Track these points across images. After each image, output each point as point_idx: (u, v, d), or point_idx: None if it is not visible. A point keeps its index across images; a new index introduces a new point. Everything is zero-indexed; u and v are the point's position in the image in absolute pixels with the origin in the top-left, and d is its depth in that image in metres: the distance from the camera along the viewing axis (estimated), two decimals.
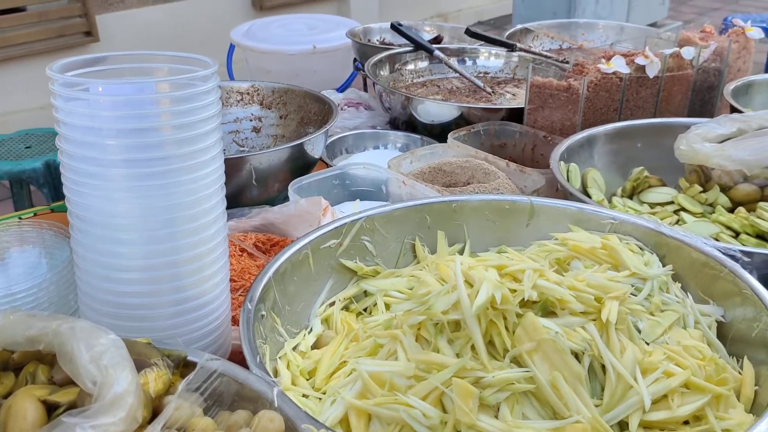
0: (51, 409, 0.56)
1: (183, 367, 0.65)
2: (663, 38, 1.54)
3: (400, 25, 1.81)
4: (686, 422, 0.63)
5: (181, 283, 0.69)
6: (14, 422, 0.53)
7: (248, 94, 1.51)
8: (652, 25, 3.55)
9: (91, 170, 0.65)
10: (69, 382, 0.59)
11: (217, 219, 0.71)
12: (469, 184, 1.22)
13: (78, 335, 0.58)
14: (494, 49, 1.82)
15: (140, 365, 0.61)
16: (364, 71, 1.72)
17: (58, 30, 3.93)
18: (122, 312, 0.68)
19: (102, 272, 0.68)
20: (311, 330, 0.84)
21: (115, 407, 0.52)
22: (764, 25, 4.65)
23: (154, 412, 0.59)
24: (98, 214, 0.66)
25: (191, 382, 0.60)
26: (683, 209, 1.06)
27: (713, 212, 1.04)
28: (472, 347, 0.63)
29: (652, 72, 1.35)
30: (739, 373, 0.70)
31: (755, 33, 1.56)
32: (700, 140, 1.08)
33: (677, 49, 1.41)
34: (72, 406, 0.56)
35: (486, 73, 1.83)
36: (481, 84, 1.65)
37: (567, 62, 1.62)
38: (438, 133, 1.49)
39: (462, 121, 1.47)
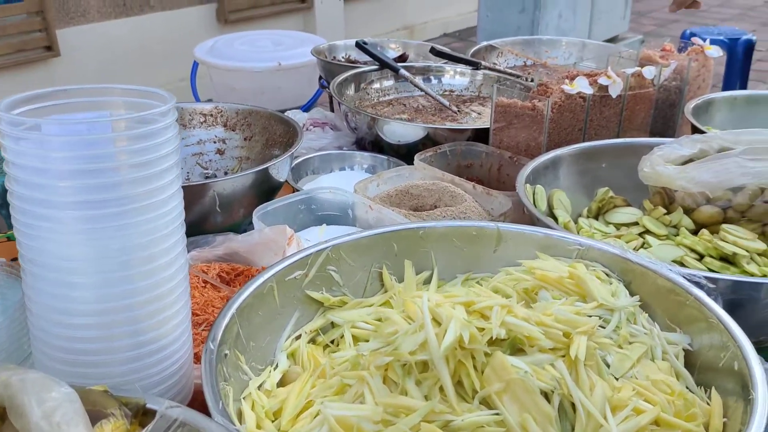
0: None
1: (142, 415, 0.62)
2: (624, 57, 1.56)
3: (365, 43, 1.81)
4: None
5: (139, 327, 0.67)
6: None
7: (211, 115, 1.49)
8: (614, 38, 3.60)
9: (43, 212, 0.62)
10: None
11: (176, 258, 0.69)
12: (436, 207, 1.21)
13: (29, 388, 0.56)
14: (459, 67, 1.83)
15: (96, 416, 0.59)
16: (329, 89, 1.71)
17: (18, 45, 3.84)
18: (77, 358, 0.66)
19: (55, 317, 0.65)
20: (277, 366, 0.81)
21: None
22: (722, 37, 4.75)
23: None
24: (50, 257, 0.63)
25: None
26: (648, 231, 1.06)
27: (677, 234, 1.05)
28: (441, 388, 0.62)
29: (614, 92, 1.36)
30: (708, 404, 0.70)
31: (714, 51, 1.59)
32: (663, 162, 1.09)
33: (639, 68, 1.43)
34: None
35: (452, 91, 1.83)
36: (446, 103, 1.65)
37: (532, 80, 1.63)
38: (405, 153, 1.49)
39: (428, 140, 1.46)
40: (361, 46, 1.81)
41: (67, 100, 0.67)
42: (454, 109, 1.65)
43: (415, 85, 1.72)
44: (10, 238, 1.26)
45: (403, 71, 1.72)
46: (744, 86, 4.45)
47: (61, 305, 0.64)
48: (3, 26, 3.79)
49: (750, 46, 4.34)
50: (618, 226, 1.15)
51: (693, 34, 4.30)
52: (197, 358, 0.84)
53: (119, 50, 4.37)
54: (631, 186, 1.19)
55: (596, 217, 1.20)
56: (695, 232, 1.05)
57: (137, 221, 0.64)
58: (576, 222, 1.17)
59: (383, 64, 1.75)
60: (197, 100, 2.71)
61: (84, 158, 0.61)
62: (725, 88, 4.37)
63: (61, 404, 0.54)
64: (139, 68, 4.49)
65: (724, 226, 1.02)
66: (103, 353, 0.66)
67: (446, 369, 0.61)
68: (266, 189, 1.25)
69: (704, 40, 1.65)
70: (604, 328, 0.73)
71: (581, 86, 1.32)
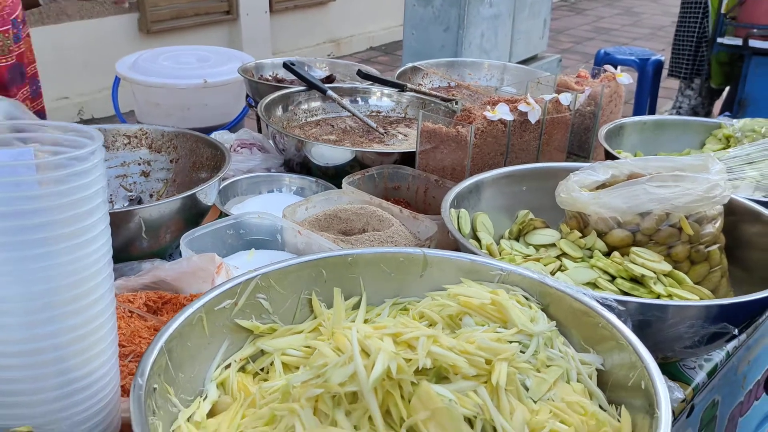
0: None
1: None
2: (543, 83, 1.64)
3: (292, 64, 1.82)
4: None
5: (66, 365, 0.66)
6: None
7: (136, 137, 1.47)
8: (533, 57, 3.74)
9: None
10: None
11: (104, 295, 0.68)
12: (364, 231, 1.24)
13: None
14: (386, 89, 1.87)
15: None
16: (256, 108, 1.71)
17: None
18: (2, 400, 0.64)
19: None
20: (206, 397, 0.82)
21: None
22: (633, 57, 4.96)
23: None
24: None
25: None
26: (565, 254, 1.12)
27: (592, 256, 1.11)
28: (370, 418, 0.64)
29: (533, 117, 1.43)
30: (618, 421, 0.75)
31: (624, 79, 1.69)
32: (578, 188, 1.15)
33: (556, 95, 1.50)
34: None
35: (378, 112, 1.86)
36: (374, 125, 1.69)
37: (456, 103, 1.69)
38: (333, 174, 1.51)
39: (356, 163, 1.49)
40: (288, 66, 1.82)
41: None
42: (381, 130, 1.68)
43: (343, 107, 1.75)
44: None
45: (330, 92, 1.74)
46: (654, 103, 4.70)
47: None
48: None
49: (659, 65, 4.61)
50: (537, 247, 1.21)
51: (607, 54, 4.52)
52: (124, 390, 0.84)
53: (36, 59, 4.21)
54: (549, 207, 1.25)
55: (517, 239, 1.25)
56: (608, 254, 1.11)
57: (63, 261, 0.63)
58: (498, 243, 1.22)
59: (311, 86, 1.76)
60: (118, 114, 2.65)
61: (6, 200, 0.60)
62: (636, 105, 4.61)
63: None
64: (58, 78, 4.35)
65: (633, 249, 1.09)
66: (30, 393, 0.65)
67: (375, 400, 0.63)
68: (194, 213, 1.25)
69: (616, 60, 1.76)
70: (523, 353, 0.77)
71: (502, 113, 1.38)
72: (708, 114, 4.80)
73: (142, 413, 0.67)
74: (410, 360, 0.66)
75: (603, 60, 4.25)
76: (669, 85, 5.45)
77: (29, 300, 0.62)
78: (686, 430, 1.12)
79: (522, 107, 1.41)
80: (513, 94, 1.59)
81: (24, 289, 0.62)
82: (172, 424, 0.75)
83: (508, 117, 1.37)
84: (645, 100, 4.61)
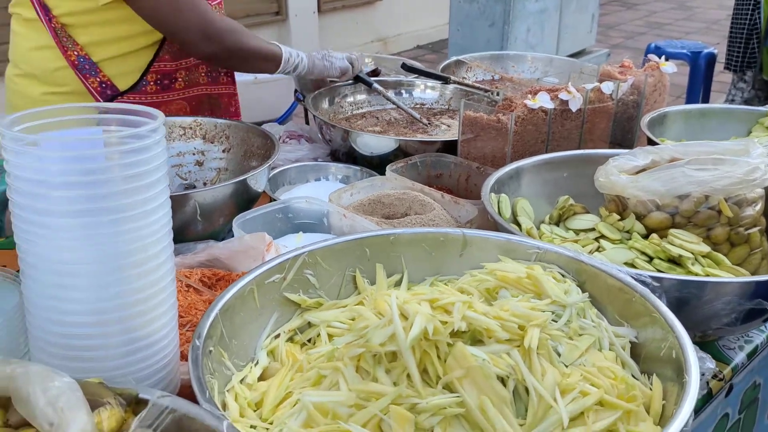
0: None
1: (135, 404, 0.68)
2: (585, 72, 1.65)
3: None
4: None
5: (130, 325, 0.72)
6: None
7: (191, 128, 1.54)
8: (581, 52, 3.72)
9: (41, 220, 0.68)
10: (24, 424, 0.62)
11: (164, 262, 0.74)
12: (406, 215, 1.28)
13: (33, 379, 0.61)
14: (430, 82, 1.91)
15: (93, 405, 0.64)
16: (304, 102, 1.78)
17: None
18: (73, 354, 0.71)
19: (52, 316, 0.71)
20: (257, 362, 0.87)
21: None
22: (685, 51, 4.86)
23: None
24: (48, 261, 0.69)
25: (144, 419, 0.64)
26: (603, 236, 1.14)
27: (630, 239, 1.13)
28: (408, 375, 0.69)
29: (574, 106, 1.45)
30: (650, 389, 0.77)
31: (668, 68, 1.69)
32: (617, 172, 1.17)
33: (597, 84, 1.52)
34: None
35: (422, 104, 1.91)
36: (417, 115, 1.73)
37: (498, 94, 1.71)
38: (377, 163, 1.56)
39: (400, 152, 1.54)
40: None
41: (66, 117, 0.73)
42: (425, 121, 1.73)
43: (388, 99, 1.80)
44: (1, 247, 1.29)
45: (376, 85, 1.79)
46: (706, 97, 4.60)
47: (58, 305, 0.70)
48: None
49: (712, 59, 4.52)
50: (577, 231, 1.23)
51: (658, 47, 4.46)
52: (183, 356, 0.90)
53: None
54: (590, 194, 1.27)
55: (557, 224, 1.28)
56: (646, 237, 1.13)
57: (128, 228, 0.69)
58: (538, 228, 1.25)
59: (357, 79, 1.82)
60: None
61: (78, 171, 0.67)
62: (688, 99, 4.52)
63: (64, 392, 0.60)
64: None
65: (671, 230, 1.10)
66: (98, 349, 0.71)
67: (413, 358, 0.68)
68: (245, 199, 1.31)
69: (667, 53, 1.75)
70: (556, 322, 0.80)
71: (543, 101, 1.40)
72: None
73: (200, 370, 0.72)
74: (446, 323, 0.71)
75: (653, 54, 4.19)
76: (724, 78, 5.33)
77: (99, 263, 0.69)
78: (725, 409, 1.12)
79: (563, 96, 1.43)
80: (555, 84, 1.61)
81: (95, 253, 0.68)
82: (226, 385, 0.81)
83: (549, 105, 1.40)
84: (697, 93, 4.52)
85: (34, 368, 0.63)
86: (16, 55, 1.60)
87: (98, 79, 1.54)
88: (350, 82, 1.84)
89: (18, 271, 0.73)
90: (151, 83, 1.59)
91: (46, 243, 0.68)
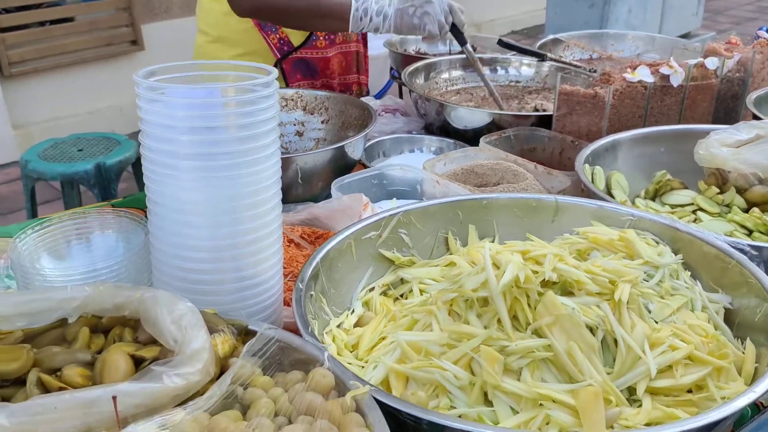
0: (137, 363, 0.66)
1: (244, 334, 0.75)
2: (689, 49, 1.61)
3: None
4: (689, 391, 0.70)
5: (242, 263, 0.79)
6: (109, 372, 0.63)
7: (292, 100, 1.62)
8: (685, 35, 3.58)
9: (167, 162, 0.75)
10: (151, 342, 0.69)
11: (273, 208, 0.80)
12: (499, 184, 1.30)
13: (160, 302, 0.68)
14: (525, 59, 1.90)
15: (209, 331, 0.71)
16: (400, 79, 1.81)
17: (106, 39, 4.11)
18: (191, 286, 0.78)
19: (174, 251, 0.78)
20: (353, 311, 0.93)
21: (194, 360, 0.62)
22: None
23: (221, 371, 0.68)
24: (172, 200, 0.76)
25: (252, 347, 0.70)
26: (701, 209, 1.13)
27: (729, 212, 1.11)
28: (498, 320, 0.71)
29: (676, 81, 1.42)
30: (743, 353, 0.77)
31: None
32: (719, 145, 1.15)
33: (701, 59, 1.48)
34: (155, 360, 0.66)
35: (518, 81, 1.91)
36: (497, 94, 1.70)
37: (594, 71, 1.69)
38: (470, 137, 1.58)
39: (493, 126, 1.55)
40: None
41: (190, 73, 0.80)
42: (501, 104, 1.70)
43: (472, 61, 1.69)
44: (115, 206, 1.41)
45: (468, 46, 1.67)
46: None
47: (179, 241, 0.77)
48: (93, 20, 4.06)
49: None
50: (673, 206, 1.21)
51: None
52: (285, 303, 0.97)
53: None
54: (688, 170, 1.25)
55: (653, 199, 1.26)
56: (746, 211, 1.10)
57: (242, 173, 0.76)
58: (633, 202, 1.24)
59: (453, 30, 1.68)
60: None
61: (200, 118, 0.73)
62: None
63: (186, 314, 0.67)
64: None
65: None
66: (212, 284, 0.78)
67: (504, 304, 0.71)
68: (342, 165, 1.37)
69: None
70: (648, 281, 0.81)
71: (643, 75, 1.38)
72: None
73: (302, 308, 0.78)
74: (537, 272, 0.73)
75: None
76: None
77: (215, 204, 0.76)
78: None
79: (664, 70, 1.41)
80: (657, 59, 1.58)
81: (212, 195, 0.75)
82: (325, 328, 0.87)
83: (648, 79, 1.38)
84: None
85: (160, 293, 0.70)
86: (207, 22, 1.72)
87: (278, 36, 1.67)
88: (444, 58, 1.86)
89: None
90: (321, 38, 1.72)
91: (170, 183, 0.75)
